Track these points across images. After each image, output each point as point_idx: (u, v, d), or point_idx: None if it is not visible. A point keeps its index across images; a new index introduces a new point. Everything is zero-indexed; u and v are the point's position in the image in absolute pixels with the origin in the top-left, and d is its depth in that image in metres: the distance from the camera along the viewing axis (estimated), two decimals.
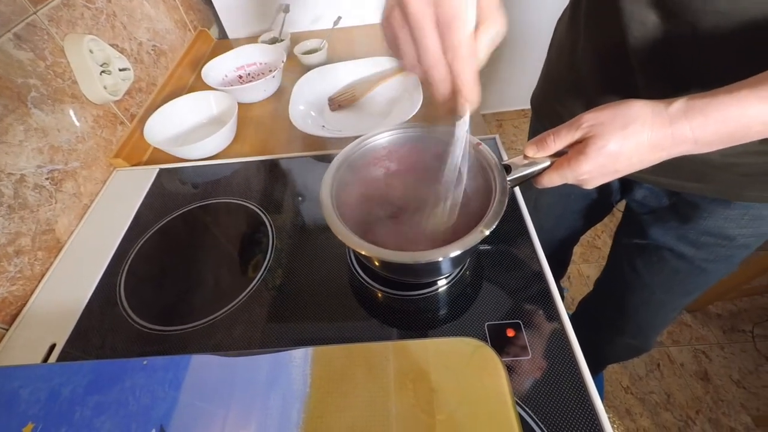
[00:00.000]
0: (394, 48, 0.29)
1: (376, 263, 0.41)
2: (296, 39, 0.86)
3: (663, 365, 1.09)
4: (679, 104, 0.29)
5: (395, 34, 0.28)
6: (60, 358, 0.43)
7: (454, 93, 0.29)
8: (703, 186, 0.45)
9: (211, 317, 0.44)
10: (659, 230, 0.54)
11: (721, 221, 0.47)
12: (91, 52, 0.58)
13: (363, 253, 0.35)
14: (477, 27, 0.27)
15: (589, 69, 0.46)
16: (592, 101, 0.47)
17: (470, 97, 0.29)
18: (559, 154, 0.34)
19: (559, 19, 0.54)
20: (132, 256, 0.52)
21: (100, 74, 0.59)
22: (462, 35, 0.26)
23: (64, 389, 0.34)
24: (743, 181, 0.42)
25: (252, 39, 0.94)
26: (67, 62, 0.56)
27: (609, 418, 1.03)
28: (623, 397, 1.04)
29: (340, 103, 0.72)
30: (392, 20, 0.27)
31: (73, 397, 0.33)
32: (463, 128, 0.34)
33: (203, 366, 0.35)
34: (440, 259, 0.34)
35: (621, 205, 0.64)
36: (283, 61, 0.76)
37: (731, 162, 0.41)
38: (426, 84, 0.29)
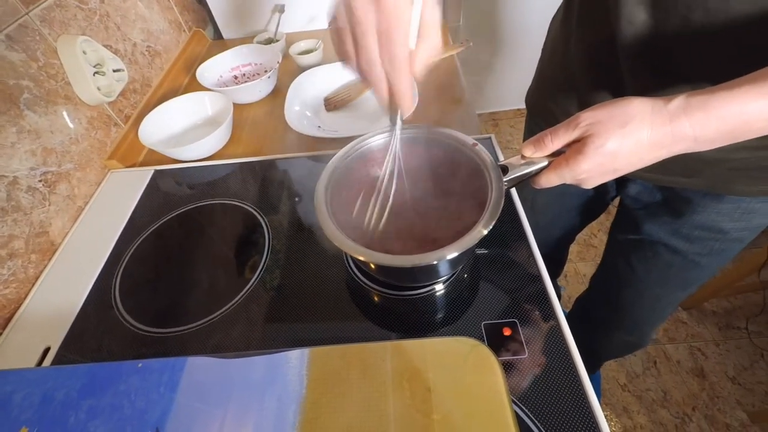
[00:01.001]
0: (338, 45, 0.30)
1: (372, 266, 0.41)
2: (291, 39, 0.86)
3: (659, 362, 1.09)
4: (678, 101, 0.29)
5: (339, 33, 0.29)
6: (54, 362, 0.42)
7: (391, 96, 0.30)
8: (694, 181, 0.45)
9: (207, 319, 0.44)
10: (653, 225, 0.55)
11: (714, 215, 0.48)
12: (84, 53, 0.57)
13: (360, 258, 0.35)
14: (416, 41, 0.28)
15: (580, 67, 0.47)
16: (583, 99, 0.48)
17: (404, 105, 0.31)
18: (556, 154, 0.34)
19: (553, 18, 0.55)
20: (127, 258, 0.51)
21: (94, 75, 0.58)
22: (400, 47, 0.27)
23: (57, 393, 0.34)
24: (733, 175, 0.43)
25: (247, 39, 0.94)
26: (60, 63, 0.55)
27: (606, 415, 1.03)
28: (620, 394, 1.05)
29: (335, 103, 0.72)
30: (338, 19, 0.28)
31: (67, 400, 0.33)
32: (395, 131, 0.36)
33: (199, 368, 0.35)
34: (437, 262, 0.34)
35: (615, 202, 0.65)
36: (278, 62, 0.76)
37: (721, 157, 0.41)
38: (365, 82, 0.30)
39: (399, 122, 0.36)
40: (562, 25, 0.50)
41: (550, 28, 0.55)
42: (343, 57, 0.30)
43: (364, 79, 0.30)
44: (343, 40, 0.29)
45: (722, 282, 1.08)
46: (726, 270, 1.07)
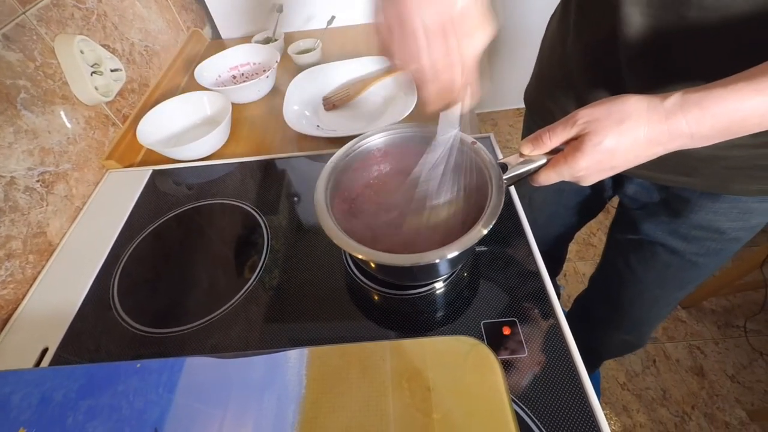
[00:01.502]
0: (385, 45, 0.29)
1: (372, 266, 0.41)
2: (290, 39, 0.86)
3: (659, 361, 1.09)
4: (674, 98, 0.29)
5: (389, 31, 0.28)
6: (52, 363, 0.42)
7: (446, 93, 0.30)
8: (691, 180, 0.45)
9: (206, 319, 0.44)
10: (651, 225, 0.55)
11: (711, 215, 0.48)
12: (81, 52, 0.57)
13: (360, 257, 0.35)
14: (469, 29, 0.28)
15: (578, 65, 0.47)
16: (581, 97, 0.48)
17: (469, 96, 0.30)
18: (555, 152, 0.34)
19: (552, 16, 0.55)
20: (125, 258, 0.51)
21: (91, 75, 0.58)
22: (457, 42, 0.27)
23: (55, 394, 0.34)
24: (729, 174, 0.43)
25: (245, 39, 0.94)
26: (58, 63, 0.55)
27: (606, 414, 1.03)
28: (620, 393, 1.05)
29: (334, 102, 0.71)
30: (387, 17, 0.27)
31: (65, 401, 0.33)
32: (453, 127, 0.35)
33: (197, 368, 0.34)
34: (437, 260, 0.34)
35: (614, 202, 0.65)
36: (276, 61, 0.76)
37: (718, 155, 0.41)
38: (417, 82, 0.29)
39: (456, 118, 0.35)
40: (559, 24, 0.50)
41: (547, 27, 0.55)
42: (387, 55, 0.29)
43: (415, 78, 0.29)
44: (391, 37, 0.28)
45: (721, 281, 1.08)
46: (725, 269, 1.07)
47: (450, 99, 0.31)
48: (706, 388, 1.04)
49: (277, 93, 0.78)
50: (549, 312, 0.40)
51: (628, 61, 0.39)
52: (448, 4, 0.26)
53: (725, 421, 0.98)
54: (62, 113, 0.56)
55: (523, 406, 0.34)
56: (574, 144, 0.32)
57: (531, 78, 0.61)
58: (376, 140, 0.44)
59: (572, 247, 1.35)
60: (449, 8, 0.26)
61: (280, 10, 0.89)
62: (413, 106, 0.63)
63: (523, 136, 0.70)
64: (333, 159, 0.42)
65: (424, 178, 0.38)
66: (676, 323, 1.16)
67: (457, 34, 0.27)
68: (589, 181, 0.34)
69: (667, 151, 0.31)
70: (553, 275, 1.02)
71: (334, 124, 0.69)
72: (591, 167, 0.32)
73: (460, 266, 0.45)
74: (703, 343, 1.12)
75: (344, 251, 0.48)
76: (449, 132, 0.36)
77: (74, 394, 0.34)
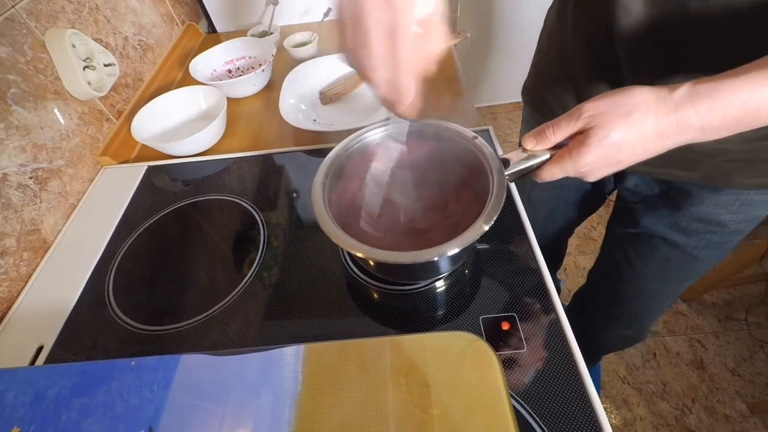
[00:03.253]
0: (340, 38, 0.28)
1: (371, 263, 0.40)
2: (286, 32, 0.84)
3: (659, 355, 1.09)
4: (683, 89, 0.28)
5: (343, 26, 0.27)
6: (48, 361, 0.42)
7: (394, 95, 0.29)
8: (692, 174, 0.44)
9: (203, 316, 0.43)
10: (651, 218, 0.54)
11: (713, 207, 0.47)
12: (73, 46, 0.56)
13: (360, 255, 0.34)
14: (421, 37, 0.27)
15: (577, 58, 0.46)
16: (581, 91, 0.47)
17: (405, 105, 0.29)
18: (558, 147, 0.33)
19: (549, 10, 0.54)
20: (121, 255, 0.51)
21: (84, 70, 0.57)
22: (406, 45, 0.26)
23: (50, 392, 0.33)
24: (730, 167, 0.42)
25: (241, 32, 0.92)
26: (49, 57, 0.54)
27: (606, 408, 1.03)
28: (620, 387, 1.05)
29: (331, 96, 0.71)
30: (343, 11, 0.27)
31: (59, 399, 0.33)
32: (401, 129, 0.36)
33: (193, 365, 0.34)
34: (436, 258, 0.33)
35: (613, 196, 0.64)
36: (272, 55, 0.75)
37: (719, 148, 0.40)
38: (365, 80, 0.29)
39: (402, 121, 0.35)
40: (557, 17, 0.49)
41: (545, 20, 0.55)
42: (343, 51, 0.29)
43: (364, 76, 0.29)
44: (346, 33, 0.27)
45: (722, 273, 1.08)
46: (725, 261, 1.07)
47: (395, 102, 0.30)
48: (706, 381, 1.04)
49: (273, 87, 0.77)
50: (549, 307, 0.39)
51: (628, 54, 0.39)
52: (405, 7, 0.25)
53: (725, 414, 0.98)
54: (55, 109, 0.55)
55: (522, 402, 0.33)
56: (579, 138, 0.31)
57: (528, 73, 0.60)
58: (374, 135, 0.43)
59: (572, 241, 1.34)
60: (405, 11, 0.25)
61: (276, 2, 0.88)
62: (416, 109, 0.62)
63: (522, 132, 0.69)
64: (331, 154, 0.41)
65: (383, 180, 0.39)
66: (676, 316, 1.16)
67: (408, 39, 0.26)
68: (594, 176, 0.33)
69: (676, 145, 0.30)
70: (554, 270, 1.02)
71: (331, 118, 0.68)
72: (596, 162, 0.31)
73: (461, 263, 0.44)
74: (704, 337, 1.11)
75: (341, 248, 0.48)
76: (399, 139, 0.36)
77: (68, 391, 0.33)
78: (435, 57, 0.28)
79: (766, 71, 0.26)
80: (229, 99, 0.68)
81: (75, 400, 0.33)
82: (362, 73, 0.28)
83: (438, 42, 0.28)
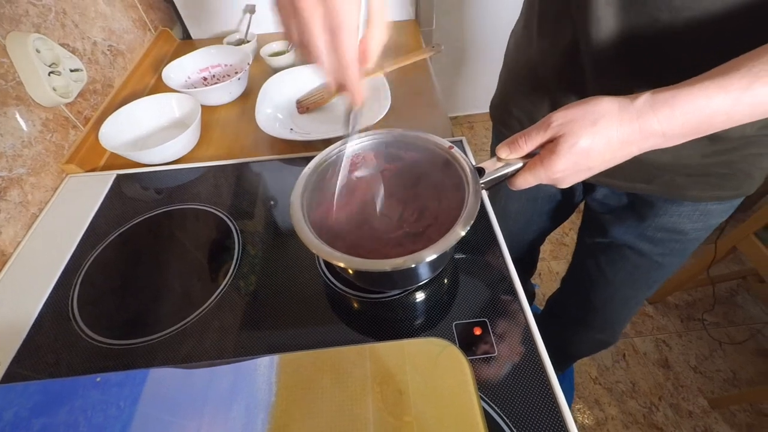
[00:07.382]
0: (285, 31, 0.29)
1: (351, 272, 0.40)
2: (263, 41, 0.84)
3: (628, 355, 1.14)
4: (644, 98, 0.30)
5: (286, 21, 0.28)
6: (5, 379, 0.39)
7: (342, 90, 0.30)
8: (653, 187, 0.47)
9: (175, 327, 0.42)
10: (620, 229, 0.57)
11: (675, 217, 0.50)
12: (37, 51, 0.54)
13: (341, 265, 0.34)
14: (365, 30, 0.28)
15: (544, 71, 0.47)
16: (548, 102, 0.49)
17: (356, 98, 0.31)
18: (531, 155, 0.35)
19: (512, 32, 0.55)
20: (87, 266, 0.49)
21: (49, 75, 0.55)
22: (348, 43, 0.27)
23: (6, 413, 0.32)
24: (685, 182, 0.45)
25: (217, 40, 0.91)
26: (10, 62, 0.52)
27: (579, 408, 1.05)
28: (592, 387, 1.08)
29: (308, 106, 0.71)
30: (281, 11, 0.27)
31: (15, 421, 0.31)
32: (354, 123, 0.37)
33: (162, 379, 0.33)
34: (414, 265, 0.33)
35: (581, 206, 0.67)
36: (249, 63, 0.75)
37: (673, 163, 0.43)
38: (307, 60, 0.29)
39: (355, 118, 0.36)
40: (522, 37, 0.51)
41: (511, 35, 0.56)
42: (290, 41, 0.29)
43: (311, 62, 0.29)
44: (289, 27, 0.28)
45: (684, 276, 1.14)
46: (687, 265, 1.13)
47: (343, 83, 0.30)
48: (671, 380, 1.09)
49: (249, 95, 0.76)
50: (519, 313, 0.41)
51: (594, 63, 0.40)
52: (342, 2, 0.26)
53: (689, 410, 1.03)
54: (16, 115, 0.53)
55: (493, 405, 0.34)
56: (550, 147, 0.32)
57: (495, 92, 0.62)
58: (352, 147, 0.44)
59: (546, 247, 1.39)
60: (341, 5, 0.26)
61: (253, 11, 0.88)
62: (387, 108, 0.63)
63: (492, 146, 0.71)
64: (310, 165, 0.42)
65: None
66: (643, 318, 1.21)
67: (350, 35, 0.27)
68: (566, 183, 0.34)
69: (642, 151, 0.31)
70: (528, 276, 1.05)
71: (307, 128, 0.69)
72: (568, 169, 0.32)
73: (440, 270, 0.45)
74: (668, 337, 1.17)
75: (317, 256, 0.48)
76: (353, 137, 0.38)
77: (27, 412, 0.32)
78: (379, 50, 0.29)
79: (717, 80, 0.28)
80: (204, 107, 0.67)
81: (34, 421, 0.31)
82: (309, 60, 0.29)
83: (380, 34, 0.29)
